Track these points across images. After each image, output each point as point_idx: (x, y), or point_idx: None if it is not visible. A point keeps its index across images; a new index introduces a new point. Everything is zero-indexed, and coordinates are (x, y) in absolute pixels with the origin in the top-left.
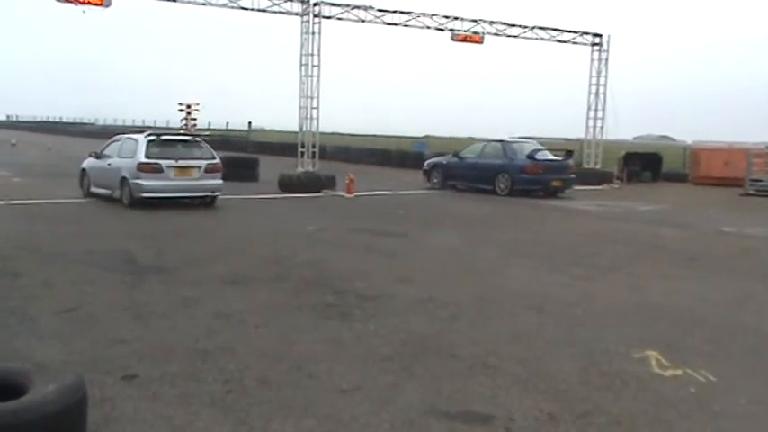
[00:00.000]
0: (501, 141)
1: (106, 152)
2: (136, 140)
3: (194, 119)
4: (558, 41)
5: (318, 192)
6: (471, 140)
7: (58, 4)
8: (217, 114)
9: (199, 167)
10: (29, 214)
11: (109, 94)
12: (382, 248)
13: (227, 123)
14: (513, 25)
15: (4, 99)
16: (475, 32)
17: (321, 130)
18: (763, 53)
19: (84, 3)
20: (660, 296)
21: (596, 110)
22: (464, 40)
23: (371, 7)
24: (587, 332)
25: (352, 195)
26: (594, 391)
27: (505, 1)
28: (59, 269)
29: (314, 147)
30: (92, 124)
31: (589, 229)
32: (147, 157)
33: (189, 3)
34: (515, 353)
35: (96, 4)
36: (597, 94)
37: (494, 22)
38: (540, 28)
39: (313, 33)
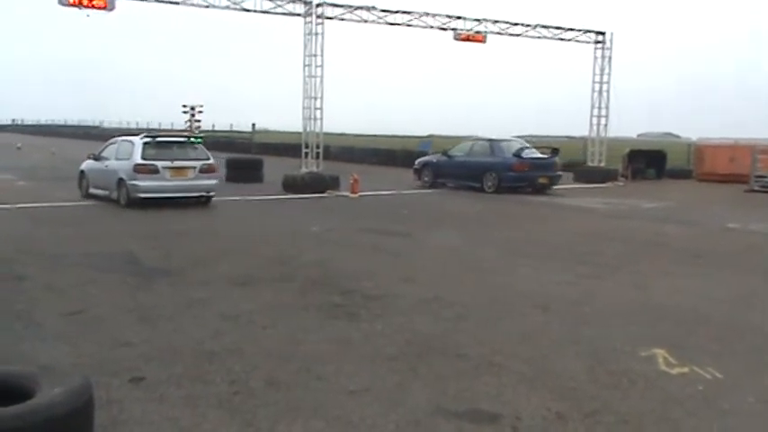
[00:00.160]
0: (489, 140)
1: (104, 154)
2: (132, 142)
3: (198, 120)
4: (561, 40)
5: (323, 192)
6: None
7: (61, 7)
8: (220, 116)
9: (194, 168)
10: (33, 217)
11: (112, 97)
12: (387, 248)
13: (231, 125)
14: (516, 24)
15: (9, 103)
16: (477, 32)
17: (325, 130)
18: None
19: (88, 6)
20: (665, 294)
21: (600, 108)
22: (467, 39)
23: (374, 8)
24: (593, 330)
25: (356, 195)
26: (602, 390)
27: (508, 0)
28: (64, 272)
29: (318, 147)
30: (96, 127)
31: (594, 226)
32: (142, 158)
33: (192, 5)
34: (521, 352)
35: (100, 8)
36: (600, 91)
37: (496, 21)
38: (543, 26)
39: (316, 34)
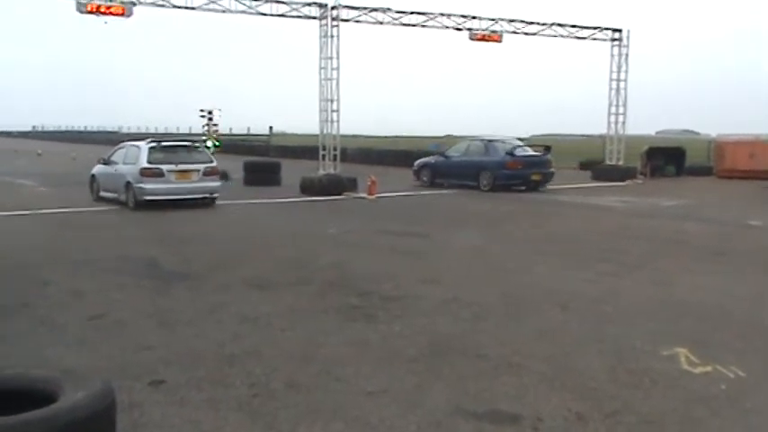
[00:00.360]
0: (483, 140)
1: (113, 158)
2: (139, 147)
3: (216, 124)
4: (577, 38)
5: (340, 194)
6: None
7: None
8: (237, 119)
9: (198, 171)
10: (54, 223)
11: (130, 102)
12: (405, 249)
13: (249, 128)
14: (532, 23)
15: (30, 110)
16: (493, 31)
17: (341, 132)
18: None
19: (106, 13)
20: (686, 292)
21: (617, 105)
22: (482, 39)
23: (389, 9)
24: (614, 329)
25: (373, 197)
26: (623, 390)
27: None
28: (86, 276)
29: (335, 149)
30: (115, 132)
31: (613, 225)
32: (148, 162)
33: (209, 10)
34: (541, 351)
35: (118, 15)
36: (618, 89)
37: (512, 21)
38: (559, 25)
39: (332, 37)
